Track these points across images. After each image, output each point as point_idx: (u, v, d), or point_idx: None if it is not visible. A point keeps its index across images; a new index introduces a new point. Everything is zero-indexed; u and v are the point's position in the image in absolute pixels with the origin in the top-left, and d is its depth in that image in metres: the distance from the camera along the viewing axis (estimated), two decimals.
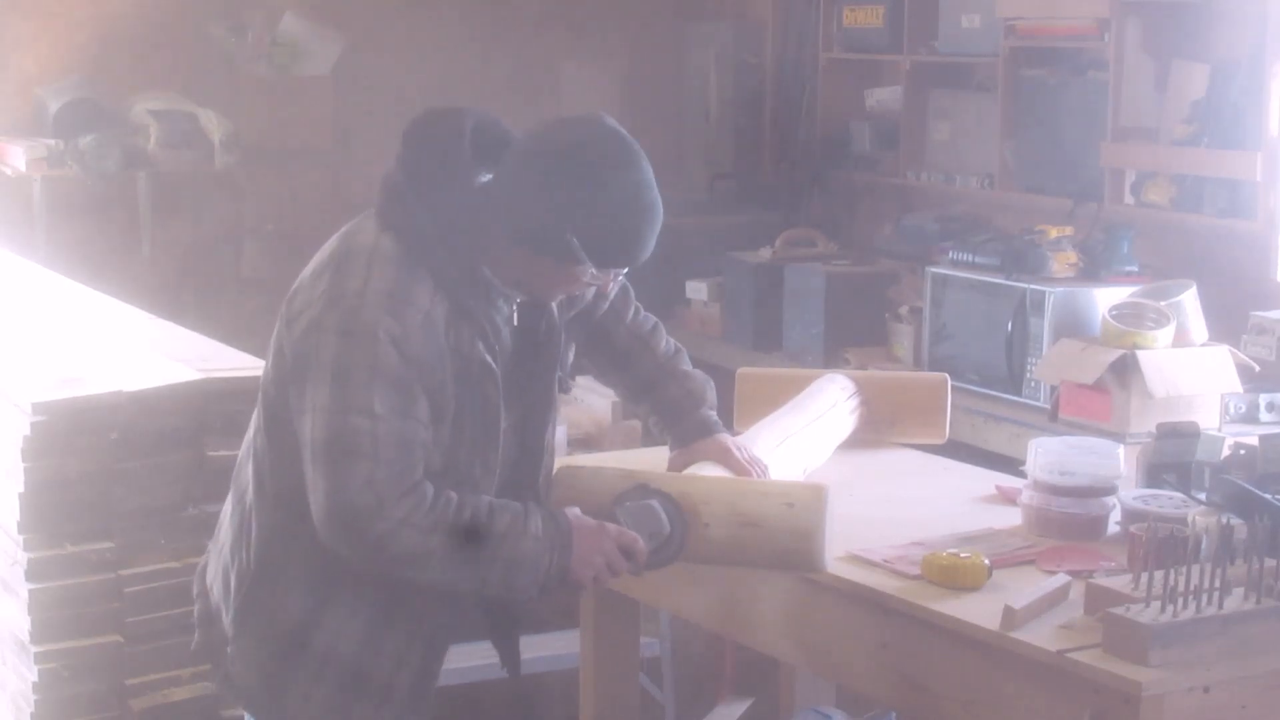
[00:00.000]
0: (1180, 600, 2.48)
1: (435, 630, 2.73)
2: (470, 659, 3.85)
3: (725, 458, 3.02)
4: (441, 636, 2.76)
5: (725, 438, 3.07)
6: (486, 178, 2.60)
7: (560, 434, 4.41)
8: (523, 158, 2.57)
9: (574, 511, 2.65)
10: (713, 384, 3.11)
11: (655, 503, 2.70)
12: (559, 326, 2.77)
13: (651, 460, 3.23)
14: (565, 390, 2.83)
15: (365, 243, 2.56)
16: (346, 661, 2.64)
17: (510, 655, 2.87)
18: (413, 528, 2.48)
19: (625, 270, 2.68)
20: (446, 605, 2.71)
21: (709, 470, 2.98)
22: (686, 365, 3.08)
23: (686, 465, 3.02)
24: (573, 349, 2.91)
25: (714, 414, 3.08)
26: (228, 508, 2.77)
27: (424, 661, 2.71)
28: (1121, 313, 4.79)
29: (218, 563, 2.76)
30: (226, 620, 2.70)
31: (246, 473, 2.70)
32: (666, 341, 3.07)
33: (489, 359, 2.58)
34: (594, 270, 2.59)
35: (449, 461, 2.57)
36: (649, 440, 3.39)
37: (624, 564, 2.66)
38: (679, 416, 3.07)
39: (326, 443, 2.47)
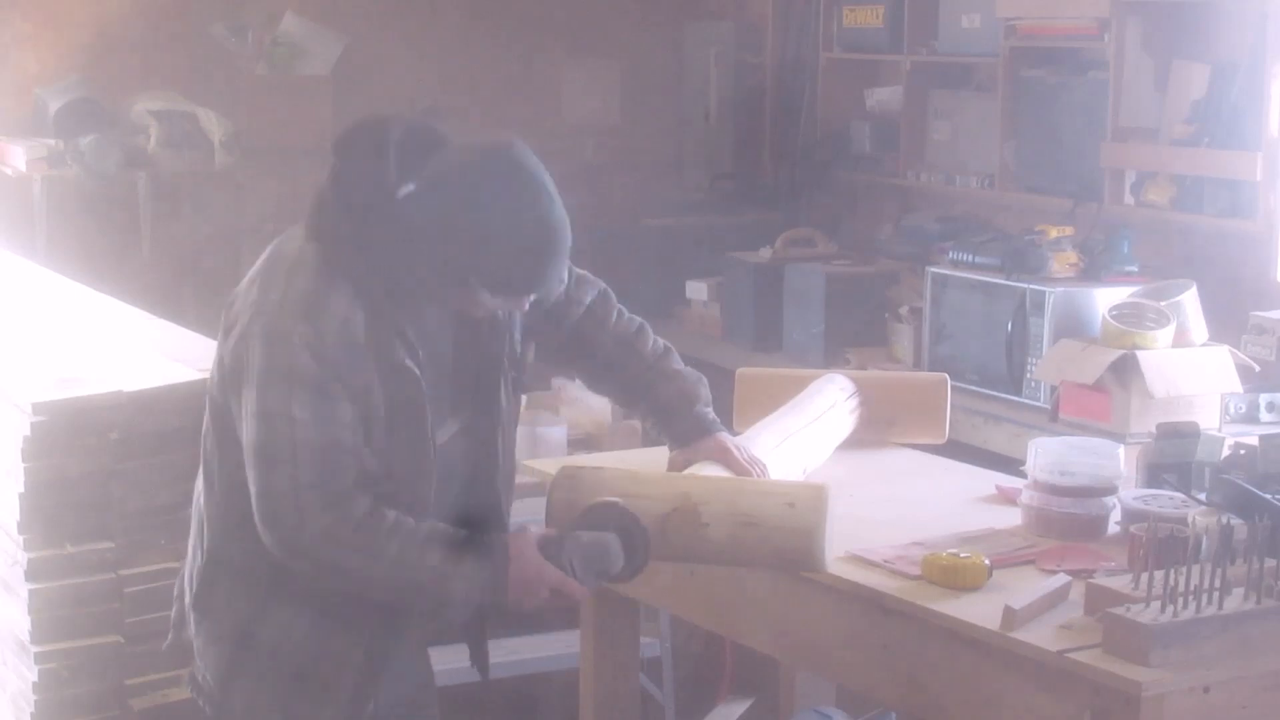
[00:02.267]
0: (1180, 600, 2.48)
1: (376, 634, 2.72)
2: (468, 659, 3.83)
3: (725, 457, 3.02)
4: (383, 642, 2.74)
5: (725, 437, 3.06)
6: (410, 187, 2.59)
7: (560, 434, 4.44)
8: (426, 184, 2.57)
9: (524, 539, 2.62)
10: (705, 381, 3.09)
11: (611, 536, 2.66)
12: (505, 327, 2.76)
13: (651, 460, 3.23)
14: (520, 390, 2.82)
15: (289, 253, 2.64)
16: (291, 659, 2.67)
17: (479, 656, 2.86)
18: (334, 542, 2.50)
19: (531, 297, 2.67)
20: (387, 611, 2.71)
21: (709, 470, 2.97)
22: (676, 364, 3.06)
23: (687, 465, 3.01)
24: (532, 348, 2.90)
25: (710, 411, 3.07)
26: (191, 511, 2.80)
27: (367, 663, 2.71)
28: (1121, 313, 4.78)
29: (186, 564, 2.81)
30: (191, 621, 2.75)
31: (199, 476, 2.74)
32: (654, 342, 3.05)
33: (409, 363, 2.58)
34: (494, 298, 2.60)
35: (386, 467, 2.58)
36: (649, 440, 3.38)
37: (562, 602, 2.66)
38: (674, 417, 3.05)
39: (254, 448, 2.52)
